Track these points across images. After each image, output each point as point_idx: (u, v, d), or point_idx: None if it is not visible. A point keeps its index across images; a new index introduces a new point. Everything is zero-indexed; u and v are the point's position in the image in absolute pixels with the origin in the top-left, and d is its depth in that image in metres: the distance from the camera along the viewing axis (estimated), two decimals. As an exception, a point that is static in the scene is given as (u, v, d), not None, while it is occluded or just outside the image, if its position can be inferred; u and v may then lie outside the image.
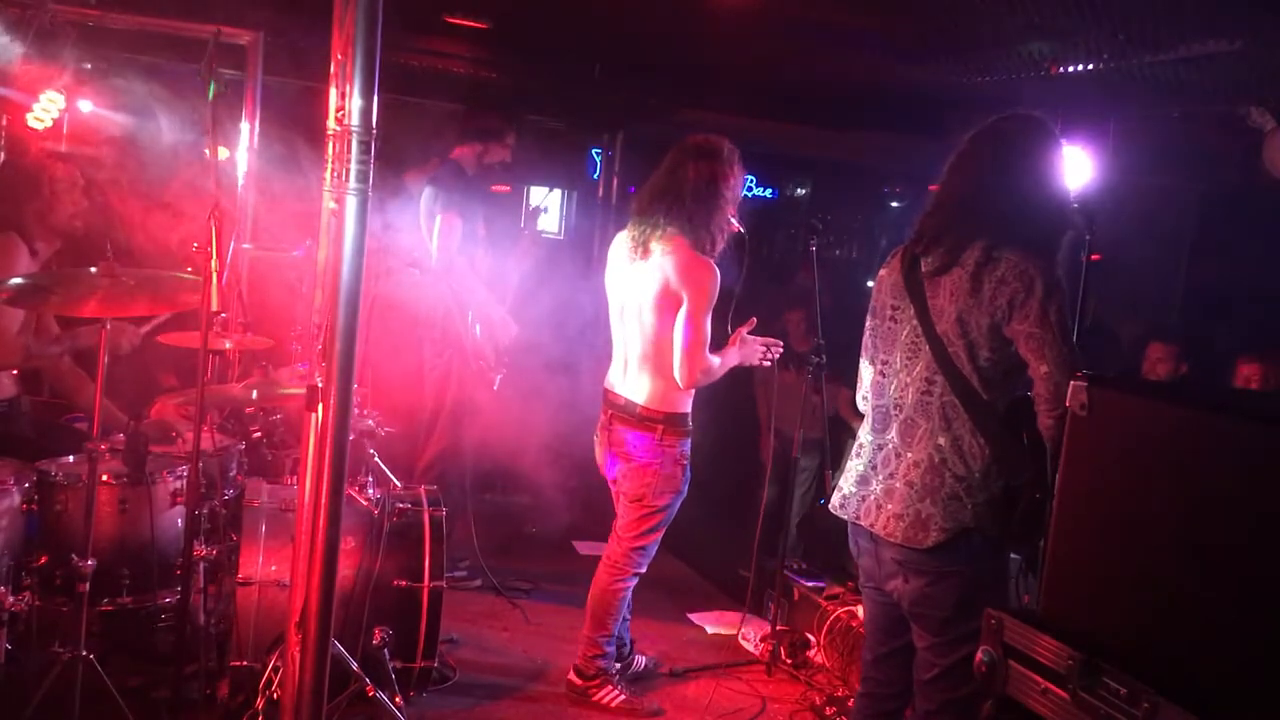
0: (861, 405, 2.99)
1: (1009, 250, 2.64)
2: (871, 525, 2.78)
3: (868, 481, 2.83)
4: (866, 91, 6.24)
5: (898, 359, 2.78)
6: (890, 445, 2.77)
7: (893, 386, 2.79)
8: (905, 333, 2.77)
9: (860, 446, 2.89)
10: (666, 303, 3.72)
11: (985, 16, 4.09)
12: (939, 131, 7.12)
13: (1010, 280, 2.61)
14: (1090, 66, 4.71)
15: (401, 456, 4.68)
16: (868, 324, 2.95)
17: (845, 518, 2.91)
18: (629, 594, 4.00)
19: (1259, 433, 2.68)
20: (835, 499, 2.95)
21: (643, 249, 3.78)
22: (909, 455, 2.73)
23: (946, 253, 2.71)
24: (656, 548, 3.99)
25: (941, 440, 2.68)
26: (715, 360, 3.78)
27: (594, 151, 7.73)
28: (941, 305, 2.70)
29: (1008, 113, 2.81)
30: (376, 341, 4.65)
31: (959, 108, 6.54)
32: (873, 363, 2.89)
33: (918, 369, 2.72)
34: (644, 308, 3.77)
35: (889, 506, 2.74)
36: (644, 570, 3.98)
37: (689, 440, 3.89)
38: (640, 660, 4.27)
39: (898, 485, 2.73)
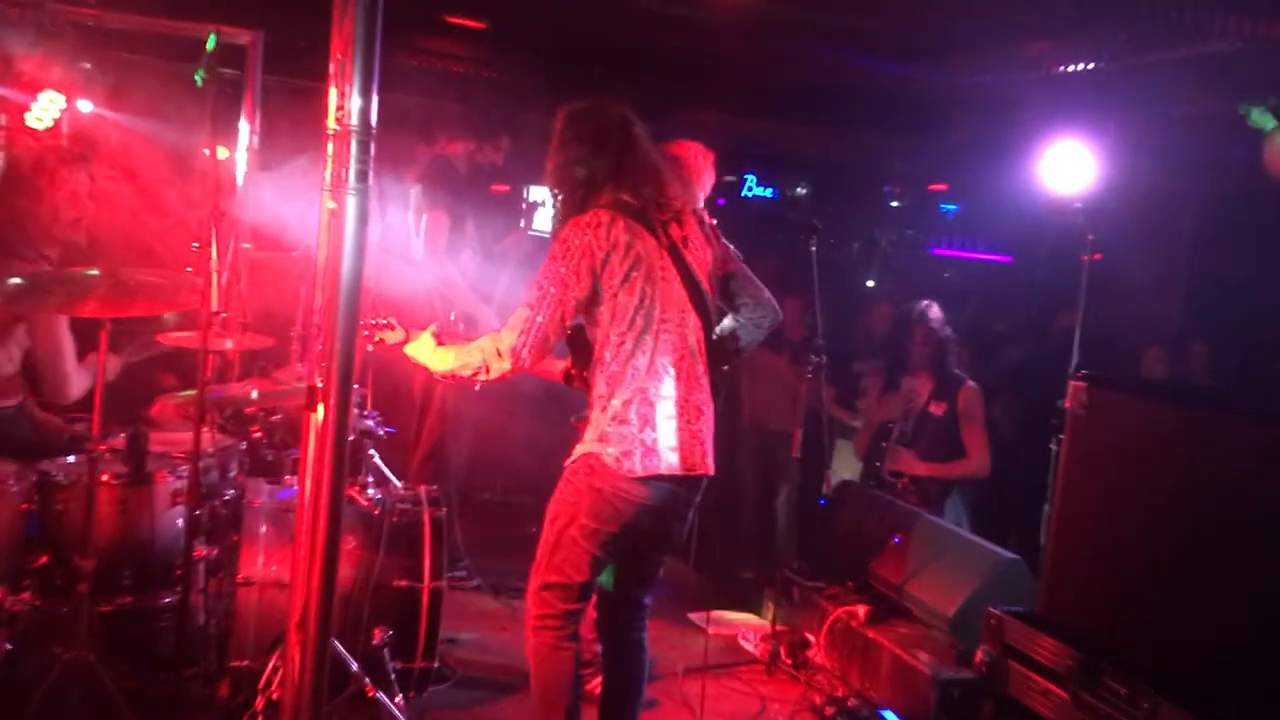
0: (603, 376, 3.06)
1: (697, 212, 3.25)
2: (704, 470, 3.06)
3: (682, 434, 3.01)
4: (866, 91, 6.25)
5: (674, 314, 3.02)
6: (679, 394, 3.01)
7: (676, 340, 3.02)
8: (674, 289, 3.03)
9: (671, 402, 3.00)
10: None
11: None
12: (938, 132, 7.14)
13: (716, 230, 3.25)
14: (1090, 66, 4.72)
15: (397, 454, 4.68)
16: (629, 290, 2.95)
17: (689, 474, 3.02)
18: None
19: (1258, 433, 2.68)
20: (671, 459, 2.97)
21: None
22: (693, 399, 3.04)
23: (682, 217, 3.11)
24: None
25: (709, 380, 3.09)
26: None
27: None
28: (696, 259, 3.09)
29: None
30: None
31: (959, 108, 6.57)
32: (650, 323, 2.98)
33: (690, 321, 3.05)
34: None
35: (699, 447, 3.04)
36: None
37: None
38: None
39: (700, 427, 3.05)
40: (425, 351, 3.13)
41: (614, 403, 2.98)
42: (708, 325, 3.10)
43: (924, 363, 5.16)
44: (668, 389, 2.98)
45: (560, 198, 3.12)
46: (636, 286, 2.95)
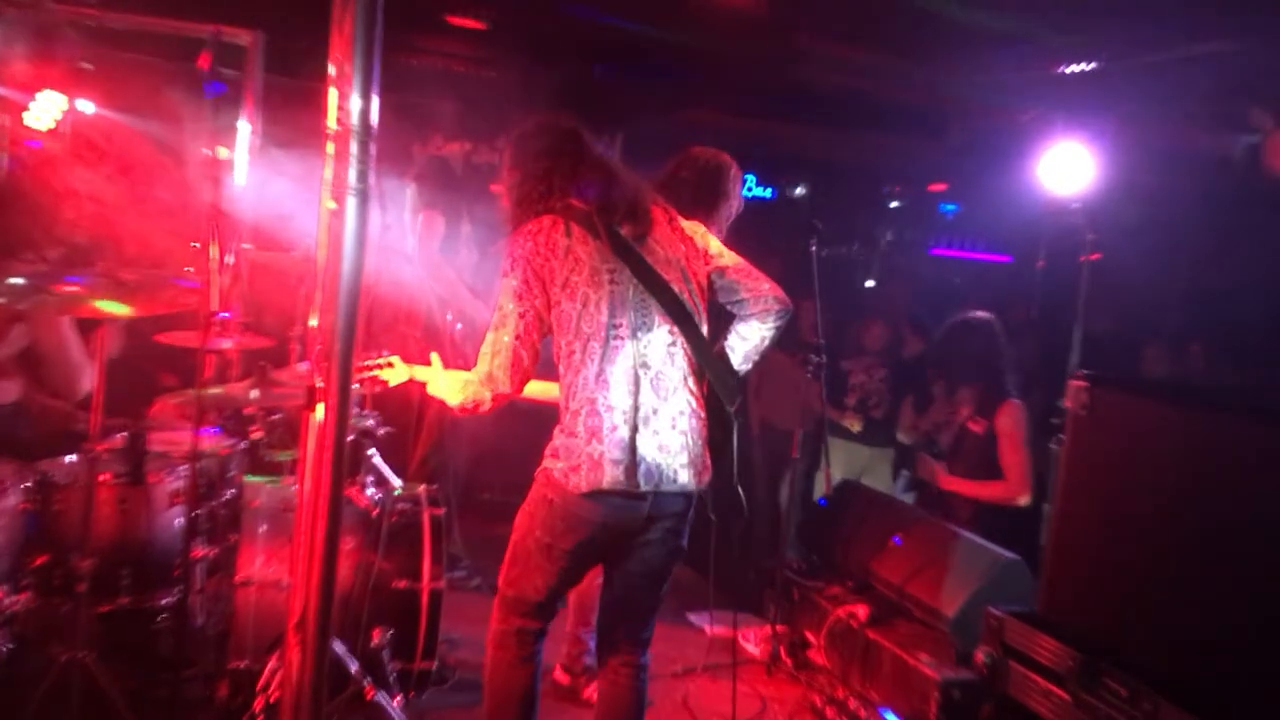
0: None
1: (672, 209, 3.06)
2: (674, 482, 2.86)
3: (633, 446, 2.81)
4: (866, 92, 6.25)
5: (630, 319, 2.85)
6: (647, 404, 2.83)
7: (634, 346, 2.84)
8: (630, 293, 2.86)
9: (620, 413, 2.81)
10: None
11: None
12: (938, 133, 7.15)
13: (696, 229, 3.05)
14: (1090, 66, 4.72)
15: (397, 454, 4.67)
16: (570, 295, 2.82)
17: (647, 489, 2.83)
18: None
19: (1258, 433, 2.68)
20: (615, 473, 2.79)
21: None
22: (662, 408, 2.85)
23: (637, 215, 2.93)
24: None
25: (692, 385, 2.90)
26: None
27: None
28: (664, 259, 2.92)
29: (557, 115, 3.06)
30: (373, 338, 4.64)
31: (959, 108, 6.57)
32: (597, 330, 2.82)
33: (655, 324, 2.87)
34: None
35: (671, 458, 2.85)
36: None
37: None
38: None
39: (666, 441, 2.84)
40: (440, 387, 3.05)
41: (565, 415, 2.87)
42: (686, 326, 2.90)
43: (972, 376, 4.77)
44: (618, 398, 2.80)
45: (519, 217, 2.95)
46: (578, 291, 2.81)
